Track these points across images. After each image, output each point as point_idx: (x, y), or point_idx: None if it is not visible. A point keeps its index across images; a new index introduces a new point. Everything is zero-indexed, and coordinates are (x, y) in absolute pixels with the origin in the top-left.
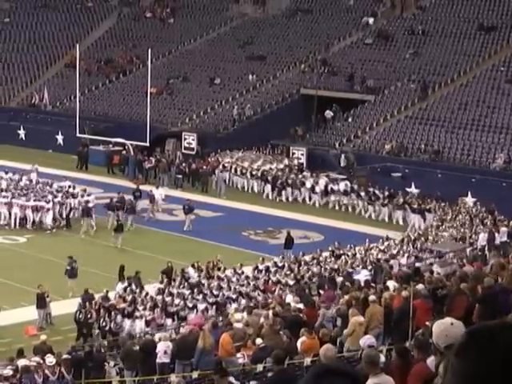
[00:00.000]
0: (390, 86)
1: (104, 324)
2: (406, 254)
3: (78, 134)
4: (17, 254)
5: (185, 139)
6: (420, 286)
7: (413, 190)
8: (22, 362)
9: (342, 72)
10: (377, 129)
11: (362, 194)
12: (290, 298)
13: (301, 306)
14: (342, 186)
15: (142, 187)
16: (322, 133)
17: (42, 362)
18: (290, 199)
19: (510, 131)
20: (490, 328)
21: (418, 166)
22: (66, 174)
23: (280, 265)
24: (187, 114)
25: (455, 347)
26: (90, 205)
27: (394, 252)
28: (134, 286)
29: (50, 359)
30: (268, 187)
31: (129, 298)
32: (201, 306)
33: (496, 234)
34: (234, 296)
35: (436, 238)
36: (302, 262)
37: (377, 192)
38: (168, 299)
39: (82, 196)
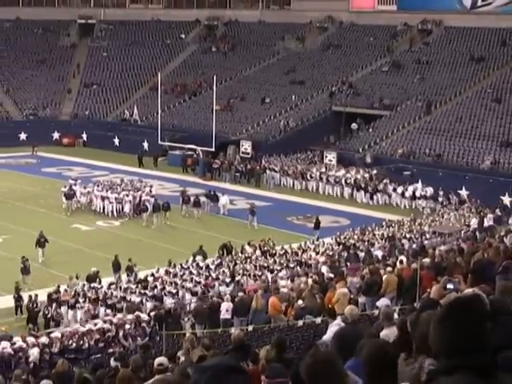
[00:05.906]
0: (401, 104)
1: (47, 312)
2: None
3: (159, 142)
4: (113, 235)
5: (242, 146)
6: (426, 260)
7: (419, 184)
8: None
9: (364, 93)
10: (391, 137)
11: (440, 199)
12: (324, 269)
13: (331, 275)
14: (422, 191)
15: (209, 183)
16: (349, 140)
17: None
18: (381, 202)
19: (496, 139)
20: (465, 300)
21: (424, 167)
22: (149, 173)
23: (217, 263)
24: (244, 126)
25: (438, 314)
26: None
27: (322, 250)
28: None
29: (143, 315)
30: (361, 193)
31: (73, 292)
32: (137, 299)
33: (484, 219)
34: (174, 291)
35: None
36: (238, 261)
37: (450, 197)
38: (109, 292)
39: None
